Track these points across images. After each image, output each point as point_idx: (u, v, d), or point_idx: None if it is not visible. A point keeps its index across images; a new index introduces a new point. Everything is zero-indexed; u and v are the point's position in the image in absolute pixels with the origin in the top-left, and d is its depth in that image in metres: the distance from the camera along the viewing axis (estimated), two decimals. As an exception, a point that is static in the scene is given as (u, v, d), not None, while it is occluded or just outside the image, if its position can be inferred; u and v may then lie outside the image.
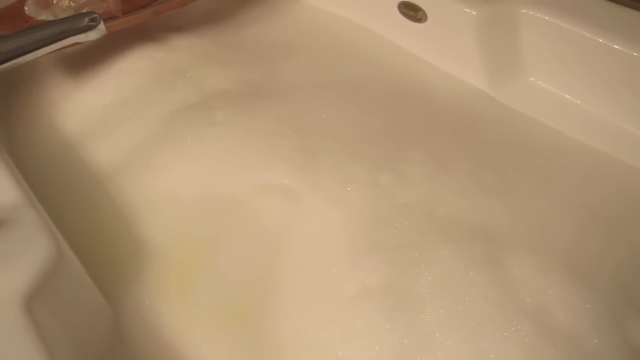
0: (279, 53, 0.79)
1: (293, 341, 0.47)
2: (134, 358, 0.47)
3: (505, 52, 0.70)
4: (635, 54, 0.58)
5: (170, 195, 0.58)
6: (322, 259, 0.52)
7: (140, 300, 0.50)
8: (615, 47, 0.59)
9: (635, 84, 0.59)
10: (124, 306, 0.50)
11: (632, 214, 0.55)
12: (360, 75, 0.75)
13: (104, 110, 0.69)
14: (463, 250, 0.51)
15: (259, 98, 0.70)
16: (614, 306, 0.47)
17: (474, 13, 0.67)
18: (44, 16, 0.70)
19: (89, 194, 0.60)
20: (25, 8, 0.71)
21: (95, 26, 0.60)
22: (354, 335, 0.47)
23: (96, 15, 0.60)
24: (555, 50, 0.65)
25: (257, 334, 0.48)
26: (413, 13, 0.75)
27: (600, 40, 0.60)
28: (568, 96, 0.66)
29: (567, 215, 0.55)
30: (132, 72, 0.73)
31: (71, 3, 0.70)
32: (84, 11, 0.70)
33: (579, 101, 0.66)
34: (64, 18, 0.60)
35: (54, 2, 0.70)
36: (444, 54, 0.74)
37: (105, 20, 0.61)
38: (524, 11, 0.66)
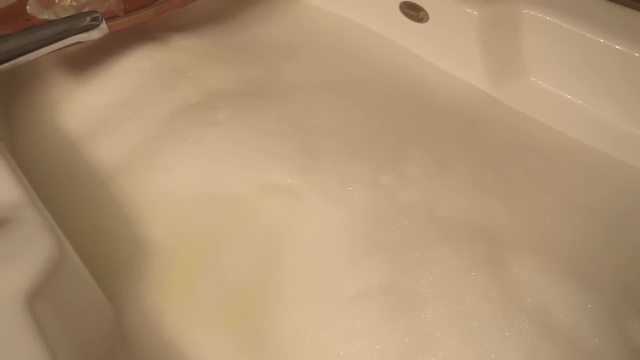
0: (280, 53, 0.79)
1: (294, 341, 0.47)
2: (135, 357, 0.47)
3: (507, 53, 0.70)
4: (636, 54, 0.58)
5: (171, 195, 0.58)
6: (323, 258, 0.52)
7: (142, 299, 0.50)
8: (616, 47, 0.59)
9: (636, 84, 0.59)
10: (126, 305, 0.50)
11: (633, 215, 0.55)
12: (361, 75, 0.75)
13: (105, 110, 0.69)
14: (464, 250, 0.51)
15: (260, 98, 0.70)
16: (615, 306, 0.47)
17: (475, 13, 0.68)
18: (46, 15, 0.70)
19: (91, 194, 0.60)
20: (27, 7, 0.71)
21: (97, 25, 0.60)
22: (355, 335, 0.47)
23: (98, 15, 0.60)
24: (557, 50, 0.65)
25: (258, 333, 0.48)
26: (414, 13, 0.75)
27: (601, 40, 0.60)
28: (569, 96, 0.67)
29: (568, 215, 0.55)
30: (133, 71, 0.74)
31: (73, 2, 0.70)
32: (85, 10, 0.70)
33: (580, 101, 0.66)
34: (66, 17, 0.60)
35: (56, 1, 0.71)
36: (445, 54, 0.75)
37: (106, 20, 0.61)
38: (526, 11, 0.66)
